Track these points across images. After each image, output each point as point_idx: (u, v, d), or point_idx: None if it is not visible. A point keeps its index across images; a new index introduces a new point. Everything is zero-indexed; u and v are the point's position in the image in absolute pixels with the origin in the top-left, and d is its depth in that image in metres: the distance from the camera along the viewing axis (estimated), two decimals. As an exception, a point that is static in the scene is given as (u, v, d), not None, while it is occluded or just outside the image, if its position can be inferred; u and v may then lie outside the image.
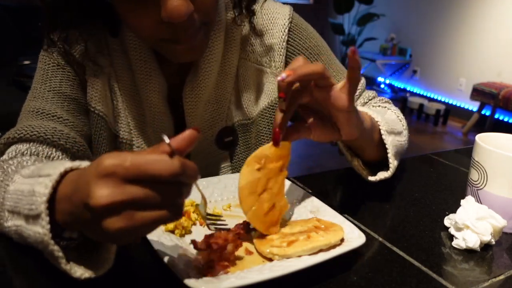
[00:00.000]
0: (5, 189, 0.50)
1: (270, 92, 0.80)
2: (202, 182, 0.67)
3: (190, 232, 0.56)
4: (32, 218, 0.44)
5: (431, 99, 5.14)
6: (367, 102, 0.86)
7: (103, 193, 0.36)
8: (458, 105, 4.85)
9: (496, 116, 4.31)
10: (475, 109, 4.40)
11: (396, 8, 5.44)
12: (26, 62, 2.71)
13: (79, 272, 0.43)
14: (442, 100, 5.04)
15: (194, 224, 0.58)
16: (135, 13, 0.58)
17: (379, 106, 0.84)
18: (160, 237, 0.51)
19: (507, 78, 4.21)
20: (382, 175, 0.70)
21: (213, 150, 0.81)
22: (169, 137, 0.40)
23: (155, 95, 0.74)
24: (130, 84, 0.74)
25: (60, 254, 0.42)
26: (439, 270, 0.54)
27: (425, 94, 5.28)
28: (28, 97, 0.72)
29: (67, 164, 0.44)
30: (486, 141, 0.65)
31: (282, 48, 0.78)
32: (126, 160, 0.37)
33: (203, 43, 0.67)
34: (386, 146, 0.69)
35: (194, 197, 0.63)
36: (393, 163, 0.70)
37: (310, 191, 0.67)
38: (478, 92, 4.13)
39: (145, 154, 0.38)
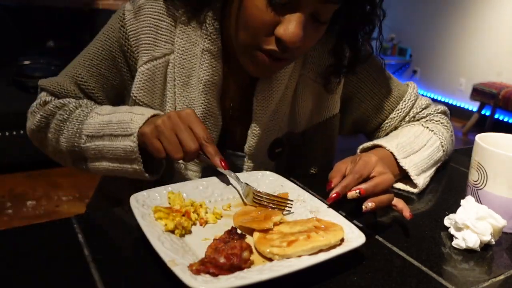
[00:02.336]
0: (80, 122, 0.71)
1: (325, 109, 0.83)
2: (202, 182, 0.67)
3: (190, 232, 0.56)
4: (126, 136, 0.66)
5: (431, 99, 5.13)
6: (420, 112, 0.89)
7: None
8: (458, 105, 4.85)
9: (496, 116, 4.30)
10: (475, 109, 4.40)
11: (396, 8, 5.44)
12: (26, 62, 2.70)
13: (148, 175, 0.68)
14: (442, 100, 5.04)
15: (194, 224, 0.58)
16: (260, 11, 0.60)
17: (427, 128, 0.85)
18: (160, 237, 0.51)
19: (507, 78, 4.21)
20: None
21: (263, 159, 0.82)
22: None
23: (210, 93, 0.74)
24: (186, 74, 0.75)
25: (141, 159, 0.66)
26: (439, 270, 0.54)
27: (425, 94, 5.28)
28: (81, 54, 0.79)
29: (152, 111, 0.68)
30: (486, 141, 0.65)
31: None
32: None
33: (279, 69, 0.73)
34: (418, 185, 0.74)
35: (194, 197, 0.63)
36: (419, 183, 0.74)
37: (310, 191, 0.67)
38: (478, 92, 4.13)
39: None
